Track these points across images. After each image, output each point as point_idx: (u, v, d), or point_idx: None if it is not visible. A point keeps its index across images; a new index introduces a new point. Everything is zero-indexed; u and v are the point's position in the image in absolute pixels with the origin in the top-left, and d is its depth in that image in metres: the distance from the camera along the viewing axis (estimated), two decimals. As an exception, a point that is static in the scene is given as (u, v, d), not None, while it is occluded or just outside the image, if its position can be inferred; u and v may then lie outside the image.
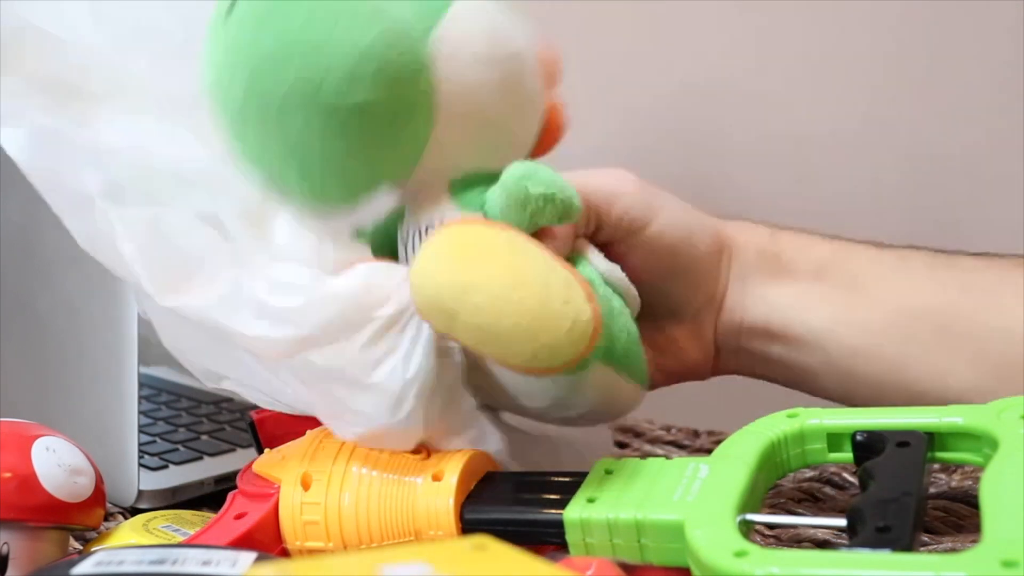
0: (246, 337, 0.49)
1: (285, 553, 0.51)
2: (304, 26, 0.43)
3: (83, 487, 0.52)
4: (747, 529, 0.44)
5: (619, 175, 0.56)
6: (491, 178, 0.49)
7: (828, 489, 0.62)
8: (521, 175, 0.47)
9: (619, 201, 0.55)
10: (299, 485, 0.50)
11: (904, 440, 0.47)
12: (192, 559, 0.42)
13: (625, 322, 0.51)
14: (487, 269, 0.44)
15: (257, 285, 0.48)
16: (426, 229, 0.50)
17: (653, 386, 0.57)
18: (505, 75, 0.49)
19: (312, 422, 0.53)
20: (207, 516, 0.59)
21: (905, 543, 0.40)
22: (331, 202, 0.48)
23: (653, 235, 0.56)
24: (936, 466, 0.61)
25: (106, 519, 0.58)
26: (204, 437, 0.73)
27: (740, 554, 0.40)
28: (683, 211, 0.58)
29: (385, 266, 0.50)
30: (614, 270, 0.53)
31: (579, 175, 0.52)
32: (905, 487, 0.44)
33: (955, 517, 0.58)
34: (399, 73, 0.45)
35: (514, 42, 0.50)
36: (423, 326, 0.49)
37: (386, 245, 0.53)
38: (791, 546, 0.55)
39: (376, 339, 0.49)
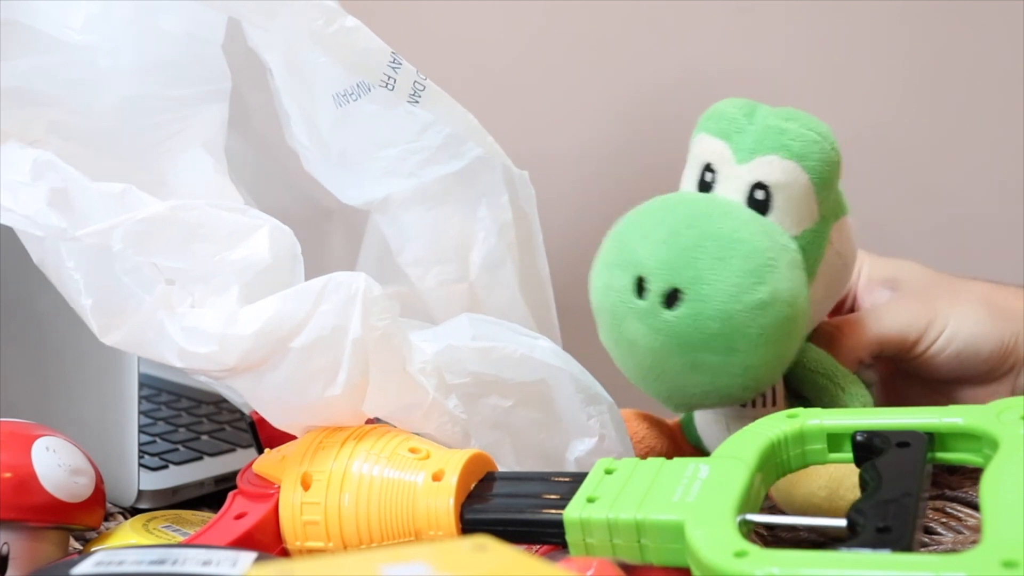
0: (177, 367, 0.52)
1: (285, 553, 0.51)
2: (745, 353, 0.53)
3: (83, 487, 0.52)
4: (747, 529, 0.44)
5: (912, 310, 0.62)
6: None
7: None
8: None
9: (911, 337, 0.61)
10: (299, 485, 0.50)
11: (904, 440, 0.47)
12: (192, 559, 0.42)
13: None
14: None
15: (175, 331, 0.50)
16: None
17: None
18: (841, 282, 0.59)
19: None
20: (207, 516, 0.60)
21: (905, 543, 0.40)
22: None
23: (936, 353, 0.62)
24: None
25: (106, 519, 0.58)
26: (204, 437, 0.73)
27: (740, 554, 0.40)
28: (970, 324, 0.62)
29: (294, 293, 0.51)
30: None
31: (884, 318, 0.61)
32: (905, 487, 0.44)
33: (955, 518, 0.58)
34: (795, 353, 0.56)
35: (852, 273, 0.60)
36: (344, 343, 0.50)
37: None
38: (791, 546, 0.55)
39: (297, 367, 0.50)
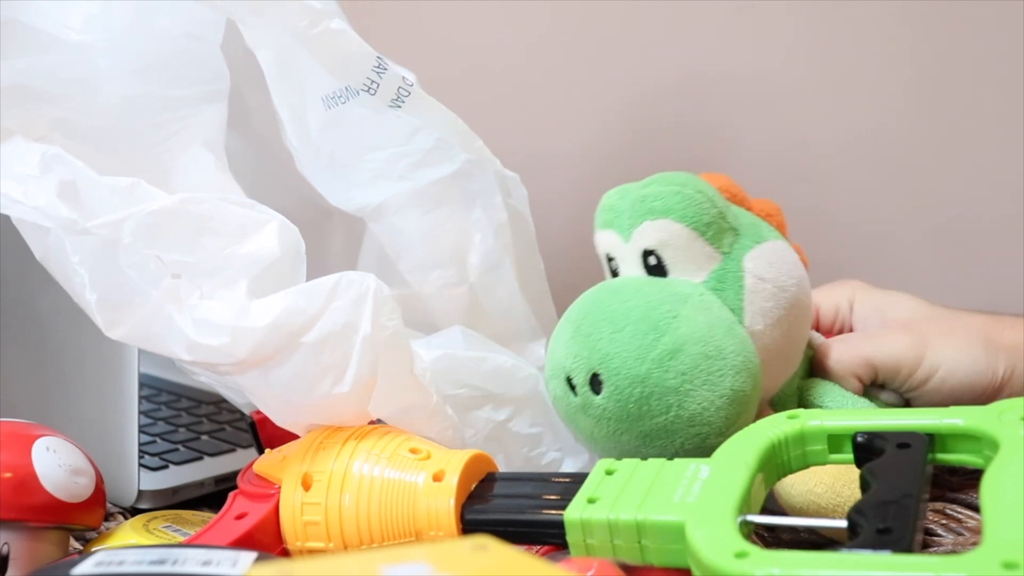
0: (184, 363, 0.52)
1: (285, 553, 0.51)
2: (681, 406, 0.54)
3: (83, 487, 0.52)
4: (747, 530, 0.44)
5: (907, 341, 0.61)
6: (793, 379, 0.60)
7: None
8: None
9: (905, 368, 0.61)
10: (300, 485, 0.50)
11: (905, 441, 0.47)
12: (192, 559, 0.42)
13: None
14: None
15: (185, 323, 0.50)
16: None
17: None
18: (795, 319, 0.58)
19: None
20: (207, 516, 0.60)
21: (906, 544, 0.40)
22: None
23: (931, 389, 0.61)
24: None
25: (106, 519, 0.58)
26: (204, 437, 0.73)
27: (740, 555, 0.40)
28: (965, 360, 0.61)
29: (306, 289, 0.51)
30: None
31: (877, 341, 0.61)
32: (906, 489, 0.44)
33: (955, 520, 0.58)
34: (755, 383, 0.55)
35: (792, 282, 0.58)
36: (354, 340, 0.50)
37: None
38: (791, 548, 0.55)
39: (307, 362, 0.50)
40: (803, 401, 0.61)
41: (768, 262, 0.57)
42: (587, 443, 0.57)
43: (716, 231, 0.57)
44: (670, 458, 0.50)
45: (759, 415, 0.57)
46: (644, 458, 0.50)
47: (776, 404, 0.60)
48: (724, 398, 0.54)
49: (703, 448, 0.54)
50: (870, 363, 0.61)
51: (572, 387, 0.55)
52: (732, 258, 0.57)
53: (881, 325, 0.65)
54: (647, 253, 0.57)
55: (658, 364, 0.53)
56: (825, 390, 0.60)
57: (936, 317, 0.64)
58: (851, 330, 0.67)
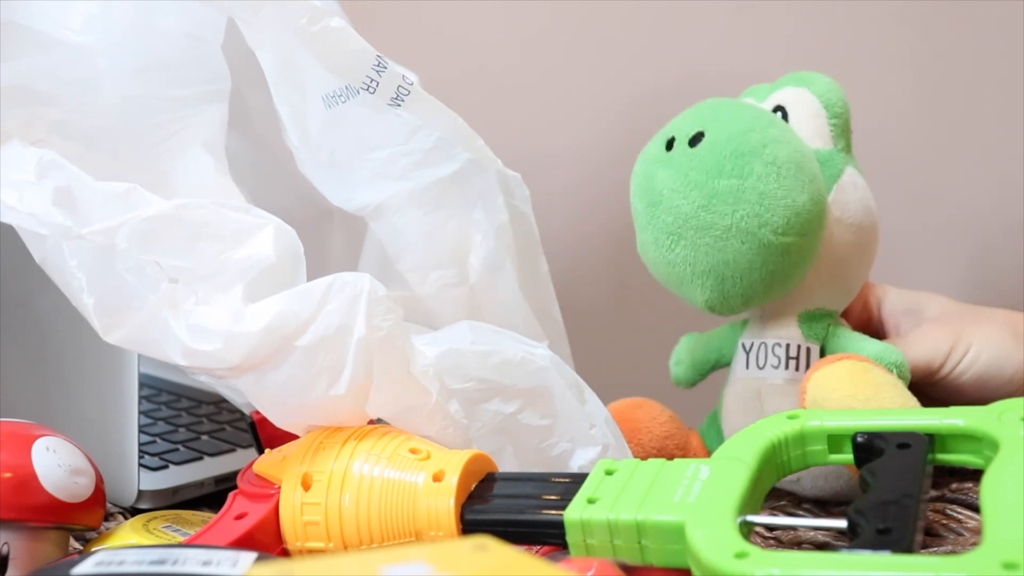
0: (181, 366, 0.52)
1: (285, 553, 0.51)
2: (759, 177, 0.57)
3: (83, 487, 0.52)
4: (747, 530, 0.45)
5: (939, 335, 0.63)
6: (829, 315, 0.63)
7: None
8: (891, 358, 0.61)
9: (936, 362, 0.63)
10: (300, 485, 0.50)
11: (905, 442, 0.47)
12: (192, 559, 0.42)
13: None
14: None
15: (180, 329, 0.50)
16: (773, 346, 0.63)
17: None
18: (866, 242, 0.63)
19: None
20: (207, 516, 0.60)
21: (905, 545, 0.40)
22: (718, 312, 0.61)
23: (959, 373, 0.63)
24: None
25: (106, 519, 0.58)
26: (204, 437, 0.73)
27: (740, 555, 0.40)
28: (993, 344, 0.63)
29: (300, 292, 0.51)
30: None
31: (914, 343, 0.63)
32: (906, 489, 0.44)
33: (955, 520, 0.58)
34: (815, 225, 0.59)
35: (875, 213, 0.63)
36: (349, 343, 0.50)
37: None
38: (791, 548, 0.55)
39: (302, 366, 0.50)
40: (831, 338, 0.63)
41: (863, 187, 0.63)
42: (647, 209, 0.60)
43: (839, 126, 0.63)
44: (719, 236, 0.56)
45: (779, 315, 0.62)
46: (692, 241, 0.57)
47: (803, 322, 0.62)
48: (796, 202, 0.57)
49: (749, 239, 0.57)
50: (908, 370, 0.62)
51: (670, 145, 0.59)
52: (838, 156, 0.63)
53: (916, 324, 0.66)
54: (777, 108, 0.63)
55: (760, 138, 0.58)
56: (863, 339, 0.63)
57: (964, 310, 0.66)
58: (881, 325, 0.68)
